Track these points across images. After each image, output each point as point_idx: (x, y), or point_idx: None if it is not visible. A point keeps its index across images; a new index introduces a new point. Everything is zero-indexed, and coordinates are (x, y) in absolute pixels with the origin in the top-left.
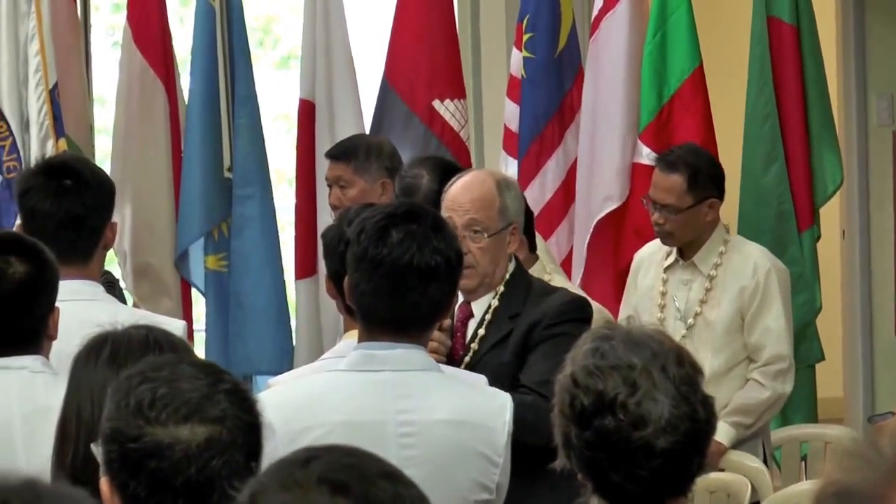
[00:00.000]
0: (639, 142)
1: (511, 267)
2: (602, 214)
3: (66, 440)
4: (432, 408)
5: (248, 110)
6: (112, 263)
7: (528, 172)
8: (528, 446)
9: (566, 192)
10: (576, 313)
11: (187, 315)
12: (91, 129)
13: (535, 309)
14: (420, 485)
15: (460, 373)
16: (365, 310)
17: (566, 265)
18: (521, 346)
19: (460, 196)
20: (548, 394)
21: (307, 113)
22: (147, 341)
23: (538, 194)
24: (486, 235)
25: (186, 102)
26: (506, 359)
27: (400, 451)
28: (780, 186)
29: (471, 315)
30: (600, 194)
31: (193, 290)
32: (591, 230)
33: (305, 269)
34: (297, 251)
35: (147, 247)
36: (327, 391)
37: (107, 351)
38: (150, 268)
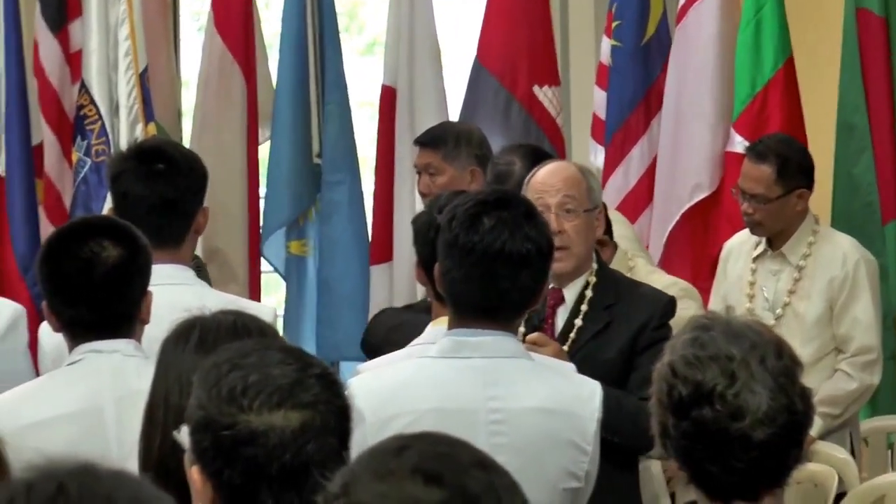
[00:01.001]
0: (732, 130)
1: (594, 257)
2: (692, 202)
3: (154, 426)
4: (522, 396)
5: (336, 96)
6: None
7: (613, 160)
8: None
9: (651, 180)
10: (674, 314)
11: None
12: (179, 113)
13: (631, 303)
14: (510, 472)
15: (550, 360)
16: (456, 296)
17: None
18: (628, 346)
19: (550, 178)
20: None
21: (389, 99)
22: (235, 327)
23: (622, 182)
24: (581, 211)
25: (275, 88)
26: (610, 354)
27: (490, 438)
28: (868, 177)
29: (562, 301)
30: (690, 182)
31: (264, 277)
32: (679, 218)
33: (380, 254)
34: (373, 237)
35: (217, 232)
36: (417, 378)
37: (195, 336)
38: (218, 252)
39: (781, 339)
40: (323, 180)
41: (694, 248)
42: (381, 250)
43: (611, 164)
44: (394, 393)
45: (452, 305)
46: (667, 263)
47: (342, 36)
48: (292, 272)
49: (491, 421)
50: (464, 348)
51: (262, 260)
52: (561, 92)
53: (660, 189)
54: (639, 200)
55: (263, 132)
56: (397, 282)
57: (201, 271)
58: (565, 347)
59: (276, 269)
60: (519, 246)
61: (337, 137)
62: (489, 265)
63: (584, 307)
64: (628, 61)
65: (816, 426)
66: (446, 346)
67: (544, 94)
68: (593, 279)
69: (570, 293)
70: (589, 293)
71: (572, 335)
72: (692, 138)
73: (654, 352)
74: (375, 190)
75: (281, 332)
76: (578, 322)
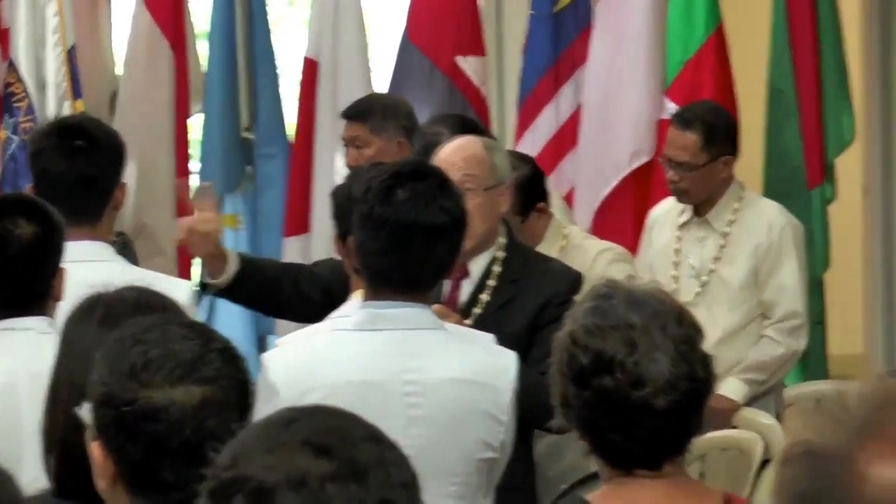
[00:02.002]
0: (664, 97)
1: (503, 231)
2: (632, 168)
3: (57, 404)
4: (438, 367)
5: (267, 69)
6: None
7: (523, 126)
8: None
9: (557, 149)
10: (578, 290)
11: (185, 275)
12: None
13: (537, 278)
14: (426, 444)
15: (467, 331)
16: (371, 269)
17: None
18: (532, 322)
19: (451, 156)
20: None
21: (311, 72)
22: (138, 302)
23: (529, 148)
24: (480, 190)
25: (207, 66)
26: (514, 328)
27: (406, 410)
28: (795, 143)
29: (467, 274)
30: (628, 149)
31: None
32: (617, 183)
33: (296, 226)
34: (289, 209)
35: (144, 207)
36: (333, 351)
37: (98, 313)
38: (145, 228)
39: (682, 307)
40: (256, 154)
41: (634, 214)
42: (298, 222)
43: (520, 130)
44: (309, 367)
45: (368, 278)
46: (602, 230)
47: (288, 9)
48: (231, 245)
49: (406, 393)
50: (379, 320)
51: None
52: (487, 62)
53: (588, 156)
54: (543, 166)
55: (194, 106)
56: (315, 254)
57: (126, 248)
58: (468, 321)
59: None
60: (434, 217)
61: (269, 111)
62: (404, 237)
63: (490, 281)
64: (540, 29)
65: (742, 392)
66: (362, 318)
67: (468, 63)
68: (501, 254)
69: (476, 267)
70: (496, 267)
71: (476, 309)
72: (627, 105)
73: (555, 327)
74: (293, 162)
75: (210, 307)
76: (484, 296)
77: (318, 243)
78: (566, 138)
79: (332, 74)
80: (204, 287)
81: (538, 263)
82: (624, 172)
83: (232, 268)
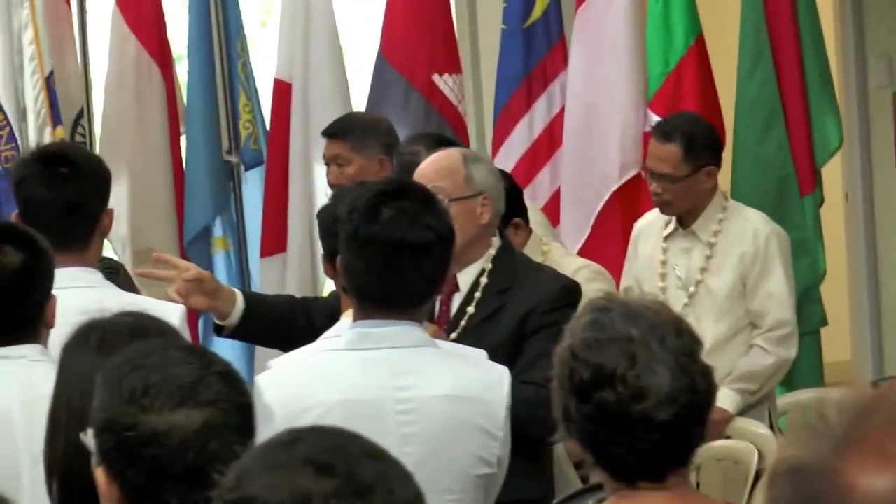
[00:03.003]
0: (648, 110)
1: (496, 243)
2: (622, 181)
3: (58, 430)
4: (430, 384)
5: (253, 91)
6: (108, 251)
7: (497, 141)
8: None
9: (531, 163)
10: (572, 298)
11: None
12: (88, 115)
13: (526, 288)
14: (420, 461)
15: (458, 348)
16: (358, 288)
17: None
18: (516, 331)
19: (425, 168)
20: (549, 387)
21: (283, 93)
22: (134, 328)
23: (504, 163)
24: (448, 200)
25: (187, 90)
26: (498, 339)
27: (399, 428)
28: (782, 152)
29: (457, 289)
30: (616, 162)
31: None
32: (607, 198)
33: (272, 246)
34: (264, 229)
35: (148, 232)
36: (325, 371)
37: (95, 339)
38: (151, 253)
39: (681, 318)
40: (243, 175)
41: (623, 226)
42: (273, 242)
43: (496, 145)
44: (302, 387)
45: (356, 297)
46: (592, 243)
47: (259, 31)
48: (217, 269)
49: (400, 411)
50: (369, 339)
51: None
52: (463, 80)
53: (572, 169)
54: (520, 180)
55: (182, 127)
56: (291, 274)
57: (116, 273)
58: (453, 335)
59: (200, 267)
60: (419, 235)
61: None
62: (390, 256)
63: (477, 294)
64: (510, 43)
65: (734, 402)
66: (352, 338)
67: (444, 82)
68: (489, 265)
69: (464, 280)
70: (483, 279)
71: (462, 322)
72: (612, 118)
73: (541, 336)
74: (266, 182)
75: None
76: (470, 309)
77: (293, 263)
78: (541, 151)
79: (304, 95)
80: (219, 330)
81: (529, 273)
82: (615, 185)
83: (238, 307)
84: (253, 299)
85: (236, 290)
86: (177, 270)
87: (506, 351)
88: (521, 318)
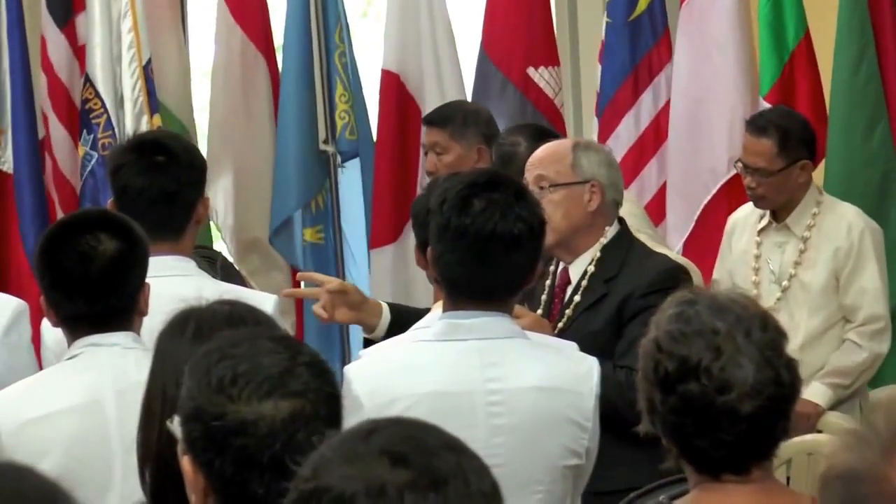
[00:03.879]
0: (763, 103)
1: (611, 231)
2: (730, 175)
3: (152, 418)
4: (519, 375)
5: (353, 81)
6: (217, 241)
7: (604, 135)
8: (619, 419)
9: (638, 156)
10: (669, 282)
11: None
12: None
13: (631, 274)
14: (510, 452)
15: (548, 339)
16: (449, 279)
17: None
18: (615, 316)
19: (534, 156)
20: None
21: (390, 84)
22: (231, 316)
23: None
24: (549, 186)
25: (282, 79)
26: (598, 325)
27: (489, 419)
28: (886, 147)
29: (569, 281)
30: (724, 156)
31: None
32: (714, 192)
33: (382, 237)
34: (374, 220)
35: (254, 222)
36: (414, 362)
37: (191, 327)
38: (259, 242)
39: (766, 312)
40: (339, 166)
41: (718, 222)
42: (383, 233)
43: (602, 138)
44: (391, 378)
45: (446, 289)
46: (700, 236)
47: (360, 21)
48: (309, 260)
49: (489, 402)
50: (459, 330)
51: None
52: (561, 71)
53: (678, 165)
54: (625, 174)
55: None
56: (402, 265)
57: (213, 262)
58: (560, 325)
59: (287, 259)
60: (510, 227)
61: (361, 122)
62: (481, 247)
63: (584, 282)
64: (617, 37)
65: (826, 397)
66: (441, 328)
67: (540, 74)
68: (598, 254)
69: (575, 271)
70: (591, 268)
71: (568, 311)
72: (721, 112)
73: (639, 321)
74: (375, 173)
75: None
76: (577, 298)
77: (407, 253)
78: (647, 146)
79: (416, 86)
80: (367, 344)
81: (639, 260)
82: (722, 180)
83: (385, 319)
84: (398, 311)
85: (382, 303)
86: (322, 287)
87: (606, 337)
88: (619, 303)
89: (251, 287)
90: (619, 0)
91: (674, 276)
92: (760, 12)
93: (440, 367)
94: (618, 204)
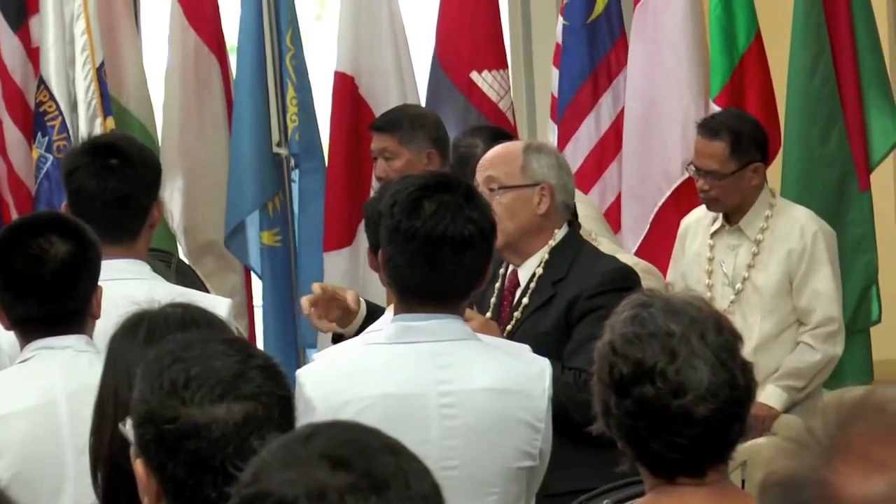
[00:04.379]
0: (713, 105)
1: (560, 234)
2: (683, 178)
3: (104, 421)
4: (472, 377)
5: (305, 83)
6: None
7: (564, 138)
8: (570, 420)
9: (600, 158)
10: (618, 283)
11: (249, 290)
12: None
13: (580, 275)
14: (464, 454)
15: (500, 341)
16: (400, 282)
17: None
18: (563, 318)
19: (484, 158)
20: (591, 371)
21: (343, 86)
22: (184, 319)
23: (570, 159)
24: (498, 188)
25: (235, 81)
26: (546, 327)
27: (442, 421)
28: (842, 149)
29: (518, 284)
30: (678, 159)
31: None
32: (669, 195)
33: (336, 240)
34: (327, 223)
35: (210, 224)
36: (367, 364)
37: (143, 330)
38: (213, 244)
39: (721, 314)
40: (301, 168)
41: (672, 225)
42: (337, 236)
43: (562, 142)
44: (343, 381)
45: (397, 291)
46: (653, 239)
47: (314, 24)
48: (266, 263)
49: (442, 404)
50: (411, 333)
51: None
52: (508, 75)
53: (632, 167)
54: (586, 178)
55: None
56: (356, 269)
57: (169, 266)
58: (509, 327)
59: (244, 262)
60: (461, 229)
61: (307, 125)
62: (432, 250)
63: (532, 284)
64: (574, 39)
65: (781, 399)
66: (394, 331)
67: (483, 78)
68: (546, 256)
69: (524, 274)
70: (539, 270)
71: (517, 314)
72: (673, 115)
73: (588, 321)
74: (329, 175)
75: (258, 324)
76: (525, 300)
77: (362, 256)
78: (608, 149)
79: (367, 89)
80: (337, 339)
81: (587, 261)
82: (676, 182)
83: (360, 317)
84: (372, 308)
85: (361, 302)
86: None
87: (554, 339)
88: (567, 304)
89: (207, 289)
90: (576, 2)
91: (623, 277)
92: (711, 14)
93: (393, 370)
94: (568, 206)
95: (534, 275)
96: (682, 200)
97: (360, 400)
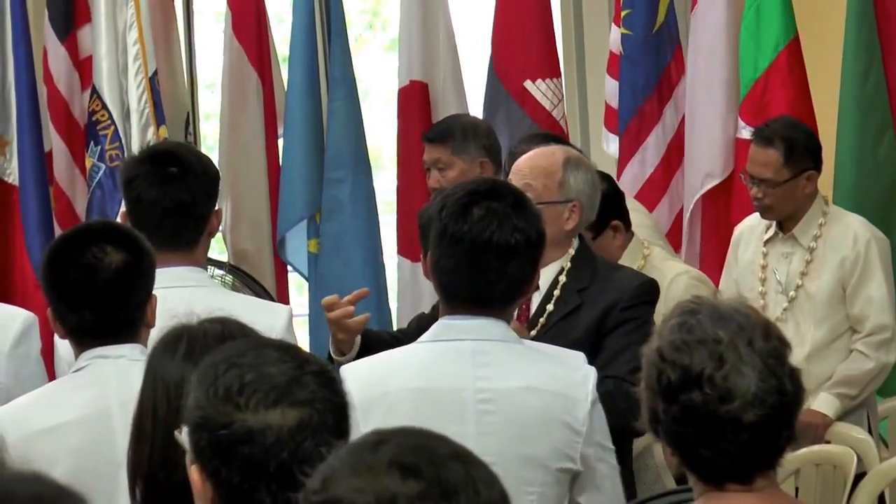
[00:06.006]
0: (738, 117)
1: (576, 244)
2: (703, 191)
3: (143, 437)
4: (511, 376)
5: (342, 93)
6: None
7: (629, 149)
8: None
9: (666, 168)
10: (648, 295)
11: (283, 300)
12: (193, 116)
13: (604, 286)
14: (500, 451)
15: (543, 346)
16: (445, 286)
17: (672, 239)
18: (595, 327)
19: (523, 162)
20: (630, 380)
21: (408, 95)
22: (223, 335)
23: (639, 170)
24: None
25: (287, 91)
26: (577, 336)
27: (478, 417)
28: (893, 155)
29: (536, 287)
30: (702, 171)
31: (291, 275)
32: (692, 206)
33: (409, 250)
34: (399, 233)
35: (244, 233)
36: (406, 360)
37: (182, 346)
38: (246, 254)
39: (769, 321)
40: (326, 178)
41: (706, 236)
42: (409, 245)
43: (627, 154)
44: (381, 374)
45: (442, 295)
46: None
47: (366, 33)
48: (312, 271)
49: (479, 400)
50: (452, 330)
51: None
52: (561, 83)
53: (677, 178)
54: (656, 189)
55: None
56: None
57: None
58: (533, 332)
59: (295, 269)
60: (507, 236)
61: (341, 135)
62: (477, 255)
63: (556, 292)
64: (640, 49)
65: (834, 407)
66: (436, 330)
67: (537, 87)
68: (568, 264)
69: (544, 279)
70: (562, 278)
71: (542, 320)
72: (703, 126)
73: (620, 332)
74: (398, 186)
75: (303, 332)
76: (550, 307)
77: None
78: (673, 159)
79: (437, 98)
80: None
81: (608, 272)
82: (696, 196)
83: (358, 342)
84: (369, 335)
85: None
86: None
87: (585, 348)
88: (600, 314)
89: (271, 296)
90: (639, 12)
91: (654, 289)
92: (742, 23)
93: (431, 364)
94: (588, 221)
95: (557, 282)
96: (709, 210)
97: (395, 392)
